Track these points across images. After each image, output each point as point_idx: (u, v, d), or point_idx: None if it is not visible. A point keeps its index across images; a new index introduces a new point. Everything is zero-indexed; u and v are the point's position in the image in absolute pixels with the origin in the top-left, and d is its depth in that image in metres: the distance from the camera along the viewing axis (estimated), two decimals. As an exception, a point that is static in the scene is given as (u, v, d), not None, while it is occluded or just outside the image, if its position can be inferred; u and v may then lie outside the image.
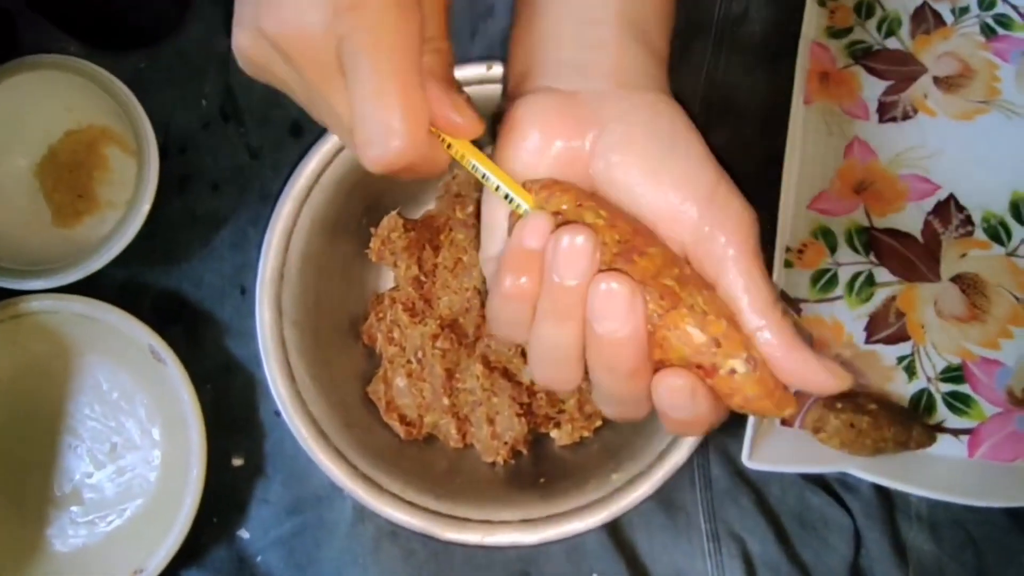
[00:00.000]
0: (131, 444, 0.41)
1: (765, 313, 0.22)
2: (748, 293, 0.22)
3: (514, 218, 0.24)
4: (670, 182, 0.23)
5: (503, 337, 0.24)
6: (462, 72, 0.37)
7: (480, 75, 0.37)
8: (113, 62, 0.40)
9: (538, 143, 0.23)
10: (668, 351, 0.22)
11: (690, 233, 0.23)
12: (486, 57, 0.38)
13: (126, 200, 0.40)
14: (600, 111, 0.23)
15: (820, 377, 0.22)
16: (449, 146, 0.24)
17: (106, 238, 0.39)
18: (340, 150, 0.37)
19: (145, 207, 0.38)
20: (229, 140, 0.43)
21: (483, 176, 0.24)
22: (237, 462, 0.41)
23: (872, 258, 0.42)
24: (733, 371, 0.22)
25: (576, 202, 0.23)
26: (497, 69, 0.37)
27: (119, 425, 0.41)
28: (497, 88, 0.37)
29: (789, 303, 0.41)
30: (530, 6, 0.26)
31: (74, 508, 0.41)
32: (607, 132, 0.23)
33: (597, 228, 0.22)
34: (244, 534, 0.41)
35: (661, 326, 0.22)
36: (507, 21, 0.43)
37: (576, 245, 0.21)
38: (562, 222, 0.22)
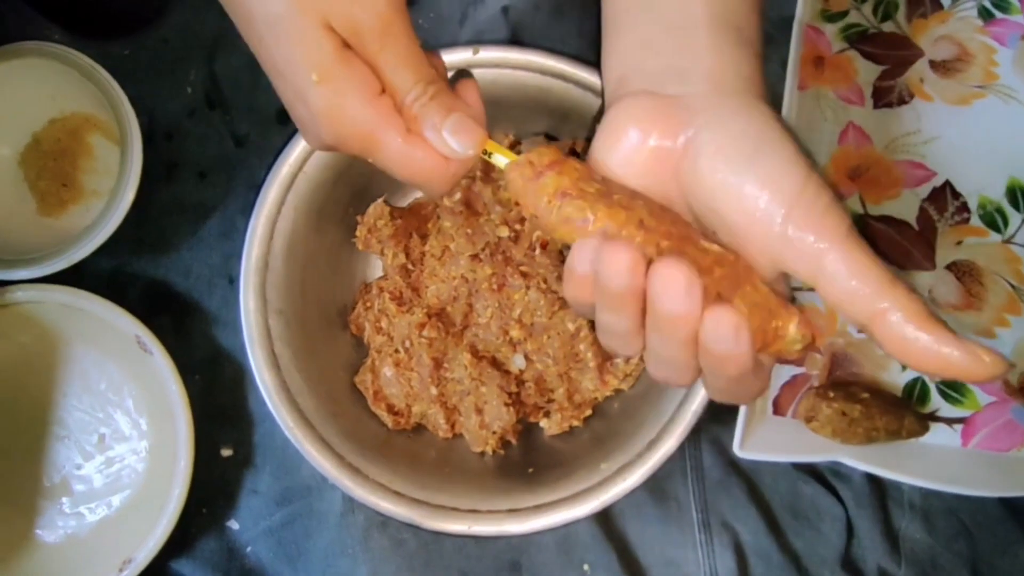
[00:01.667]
0: (119, 435, 0.41)
1: (884, 294, 0.21)
2: (857, 278, 0.22)
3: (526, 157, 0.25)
4: (755, 184, 0.23)
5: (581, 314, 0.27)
6: (449, 56, 0.36)
7: (467, 60, 0.36)
8: (96, 49, 0.39)
9: (634, 142, 0.25)
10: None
11: (777, 237, 0.22)
12: (474, 41, 0.37)
13: (111, 189, 0.40)
14: (694, 114, 0.24)
15: (963, 358, 0.21)
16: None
17: (91, 227, 0.39)
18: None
19: (129, 195, 0.38)
20: (215, 128, 0.43)
21: (504, 164, 0.26)
22: (226, 453, 0.41)
23: (866, 245, 0.41)
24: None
25: (576, 173, 0.24)
26: (483, 53, 0.37)
27: (107, 416, 0.41)
28: (484, 72, 0.36)
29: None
30: (620, 14, 0.27)
31: (63, 499, 0.41)
32: (699, 135, 0.24)
33: (587, 198, 0.24)
34: (234, 525, 0.41)
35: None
36: (497, 7, 0.43)
37: (621, 261, 0.22)
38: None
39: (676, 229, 0.24)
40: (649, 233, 0.23)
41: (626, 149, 0.25)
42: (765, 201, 0.22)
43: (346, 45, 0.24)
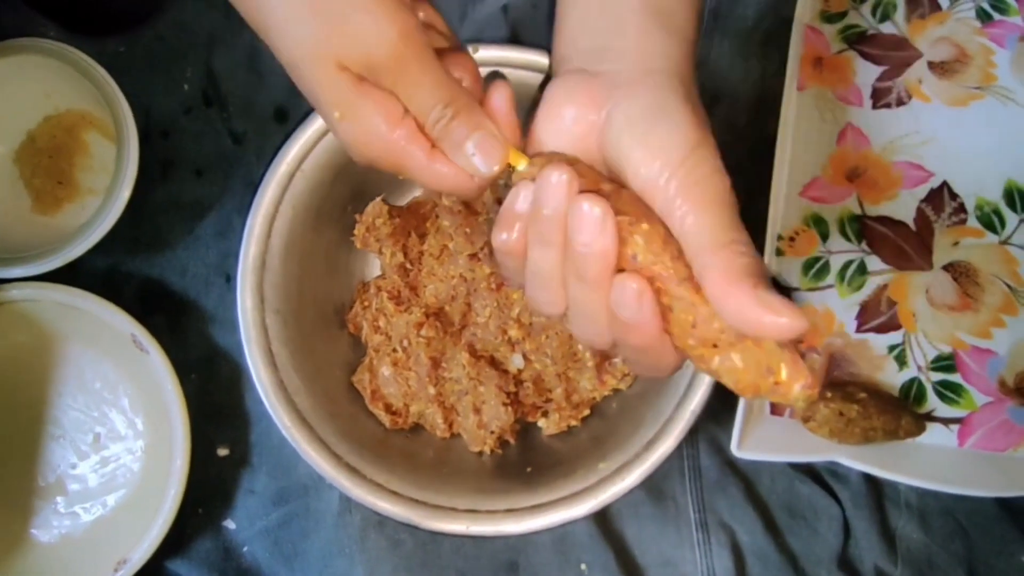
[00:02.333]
0: (114, 434, 0.41)
1: (712, 251, 0.23)
2: (698, 236, 0.23)
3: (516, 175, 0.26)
4: (648, 151, 0.25)
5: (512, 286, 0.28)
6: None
7: (466, 59, 0.36)
8: (93, 46, 0.39)
9: (567, 116, 0.26)
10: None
11: (661, 199, 0.24)
12: (474, 40, 0.37)
13: (107, 186, 0.39)
14: (615, 90, 0.26)
15: (761, 316, 0.22)
16: None
17: (87, 225, 0.38)
18: (323, 135, 0.37)
19: (125, 193, 0.38)
20: (212, 125, 0.42)
21: None
22: (222, 452, 0.41)
23: (864, 246, 0.41)
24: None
25: (592, 174, 0.25)
26: (482, 52, 0.36)
27: (102, 415, 0.41)
28: (482, 71, 0.36)
29: (781, 290, 0.41)
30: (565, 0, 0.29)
31: (58, 499, 0.41)
32: (615, 108, 0.26)
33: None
34: (230, 525, 0.41)
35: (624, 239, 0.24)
36: (496, 6, 0.43)
37: (557, 181, 0.24)
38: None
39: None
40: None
41: (561, 122, 0.26)
42: (657, 167, 0.24)
43: (363, 78, 0.25)
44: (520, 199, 0.25)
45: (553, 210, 0.24)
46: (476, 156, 0.26)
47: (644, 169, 0.24)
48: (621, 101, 0.26)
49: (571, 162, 0.25)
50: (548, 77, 0.28)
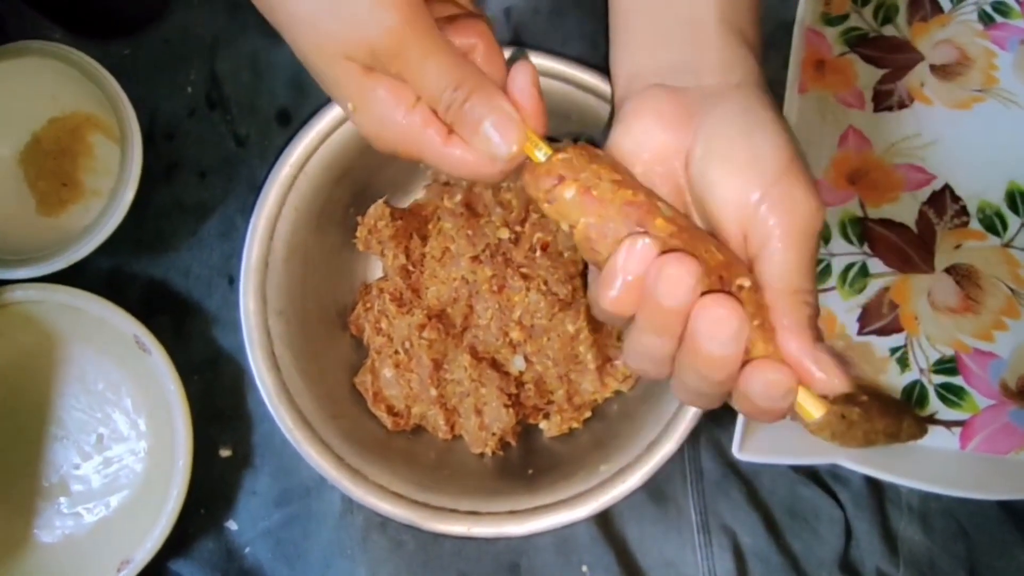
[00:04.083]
0: (117, 435, 0.41)
1: (785, 298, 0.24)
2: (780, 274, 0.24)
3: (537, 162, 0.25)
4: (737, 167, 0.24)
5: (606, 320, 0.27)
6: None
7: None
8: (97, 49, 0.39)
9: (650, 131, 0.26)
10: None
11: (749, 217, 0.24)
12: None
13: (111, 188, 0.39)
14: (704, 105, 0.25)
15: (813, 371, 0.24)
16: None
17: (91, 227, 0.39)
18: (326, 137, 0.37)
19: (129, 195, 0.38)
20: (216, 128, 0.43)
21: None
22: (225, 453, 0.41)
23: (866, 249, 0.41)
24: (741, 287, 0.24)
25: (589, 162, 0.24)
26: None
27: (105, 416, 0.41)
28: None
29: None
30: (631, 12, 0.28)
31: (60, 499, 0.41)
32: (705, 121, 0.25)
33: (607, 189, 0.24)
34: (232, 525, 0.41)
35: (694, 238, 0.24)
36: (498, 9, 0.43)
37: (680, 272, 0.23)
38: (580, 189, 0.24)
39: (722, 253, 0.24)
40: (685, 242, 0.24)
41: (641, 138, 0.26)
42: (745, 181, 0.24)
43: (371, 68, 0.24)
44: (630, 261, 0.23)
45: (677, 304, 0.23)
46: (493, 138, 0.25)
47: (734, 184, 0.24)
48: (712, 116, 0.25)
49: (594, 158, 0.25)
50: (612, 108, 0.28)
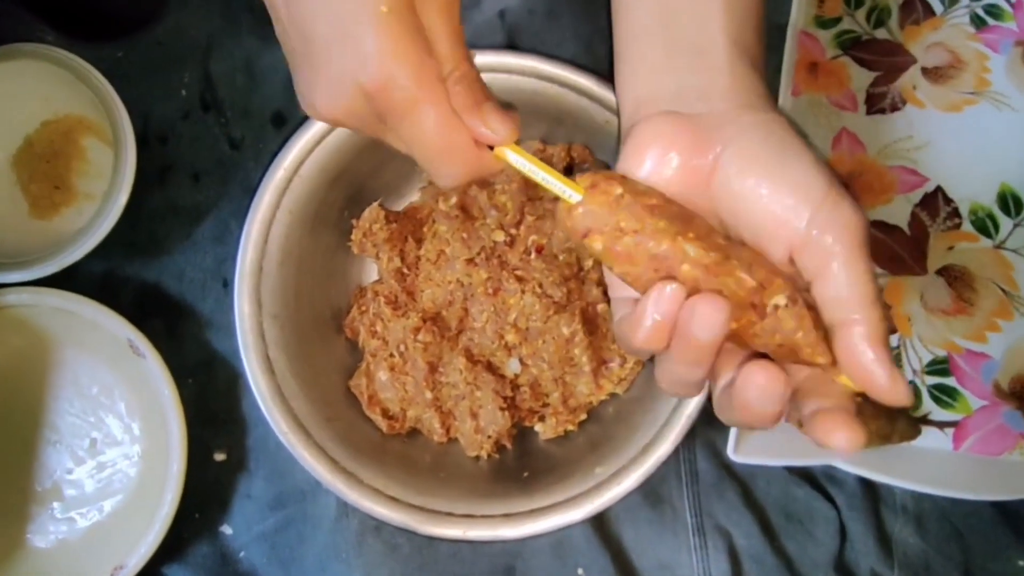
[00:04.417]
0: (111, 439, 0.41)
1: (864, 308, 0.24)
2: (849, 287, 0.24)
3: (564, 208, 0.25)
4: (784, 188, 0.24)
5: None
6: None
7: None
8: (90, 51, 0.39)
9: (662, 160, 0.25)
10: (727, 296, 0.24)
11: (800, 236, 0.24)
12: (470, 45, 0.37)
13: (104, 191, 0.39)
14: (721, 130, 0.25)
15: (886, 384, 0.24)
16: (492, 148, 0.25)
17: (84, 230, 0.38)
18: (320, 140, 0.37)
19: (122, 198, 0.38)
20: (210, 130, 0.43)
21: (529, 170, 0.25)
22: (219, 457, 0.41)
23: (859, 250, 0.41)
24: (776, 307, 0.24)
25: (622, 189, 0.24)
26: (479, 57, 0.36)
27: (99, 420, 0.41)
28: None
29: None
30: (636, 36, 0.28)
31: (54, 504, 0.40)
32: (727, 149, 0.25)
33: (630, 243, 0.24)
34: (227, 530, 0.41)
35: (721, 272, 0.24)
36: (493, 11, 0.43)
37: (713, 310, 0.23)
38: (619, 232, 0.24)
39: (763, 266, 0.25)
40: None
41: (654, 167, 0.25)
42: (793, 203, 0.24)
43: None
44: (660, 306, 0.24)
45: (710, 339, 0.23)
46: (490, 122, 0.24)
47: (781, 205, 0.24)
48: (734, 140, 0.25)
49: (616, 203, 0.24)
50: (619, 132, 0.27)
